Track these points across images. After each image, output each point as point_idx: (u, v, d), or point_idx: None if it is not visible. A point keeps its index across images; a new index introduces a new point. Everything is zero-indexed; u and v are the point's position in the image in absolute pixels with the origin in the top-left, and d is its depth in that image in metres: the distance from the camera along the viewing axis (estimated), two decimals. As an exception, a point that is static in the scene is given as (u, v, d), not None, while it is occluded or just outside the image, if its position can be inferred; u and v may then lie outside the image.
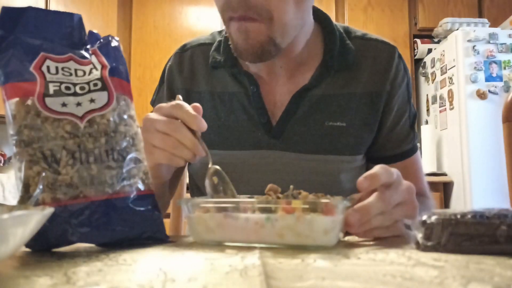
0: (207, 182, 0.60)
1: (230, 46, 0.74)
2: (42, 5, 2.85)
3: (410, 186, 0.52)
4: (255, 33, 0.68)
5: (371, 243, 0.50)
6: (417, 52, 3.26)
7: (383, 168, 0.50)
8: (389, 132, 0.82)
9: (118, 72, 0.52)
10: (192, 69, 0.85)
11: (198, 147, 0.58)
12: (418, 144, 3.03)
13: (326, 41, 0.80)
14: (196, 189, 0.89)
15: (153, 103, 0.89)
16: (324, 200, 0.46)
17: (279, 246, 0.47)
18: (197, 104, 0.60)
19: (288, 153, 0.78)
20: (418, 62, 3.37)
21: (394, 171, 0.51)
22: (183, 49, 0.88)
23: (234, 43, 0.71)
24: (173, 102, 0.59)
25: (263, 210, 0.47)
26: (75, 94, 0.48)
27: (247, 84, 0.80)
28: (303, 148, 0.78)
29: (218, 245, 0.49)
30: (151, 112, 0.62)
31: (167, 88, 0.86)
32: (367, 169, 0.85)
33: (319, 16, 0.82)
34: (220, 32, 0.89)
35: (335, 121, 0.78)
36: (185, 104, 0.58)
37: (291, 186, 0.55)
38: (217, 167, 0.61)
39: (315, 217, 0.45)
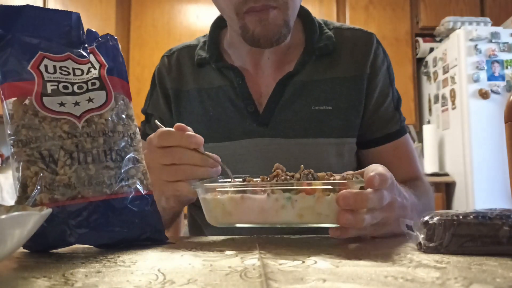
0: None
1: (215, 41, 0.80)
2: (40, 4, 2.84)
3: (395, 200, 0.52)
4: (274, 19, 0.72)
5: (372, 244, 0.49)
6: (418, 51, 3.25)
7: (386, 169, 0.51)
8: (374, 113, 0.84)
9: (116, 71, 0.52)
10: (179, 69, 0.89)
11: (209, 161, 0.58)
12: (421, 144, 3.05)
13: (307, 31, 0.85)
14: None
15: (146, 111, 0.92)
16: (342, 181, 0.48)
17: (297, 226, 0.48)
18: (180, 124, 0.59)
19: (278, 139, 0.80)
20: (420, 61, 3.36)
21: (390, 175, 0.51)
22: (170, 52, 0.93)
23: (249, 33, 0.74)
24: (158, 132, 0.58)
25: (283, 191, 0.47)
26: (73, 93, 0.48)
27: (232, 77, 0.83)
28: (292, 133, 0.80)
29: (219, 248, 0.48)
30: (145, 150, 0.60)
31: (160, 89, 0.89)
32: (358, 156, 0.87)
33: (299, 10, 0.86)
34: (204, 36, 0.93)
35: (321, 105, 0.81)
36: (171, 130, 0.57)
37: (302, 166, 0.55)
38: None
39: (334, 198, 0.46)
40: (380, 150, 0.84)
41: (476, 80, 2.67)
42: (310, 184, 0.47)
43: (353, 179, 0.50)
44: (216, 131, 0.82)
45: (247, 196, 0.48)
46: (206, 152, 0.57)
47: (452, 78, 2.81)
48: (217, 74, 0.84)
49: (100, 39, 0.53)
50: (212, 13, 2.93)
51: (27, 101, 0.46)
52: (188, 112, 0.85)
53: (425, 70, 3.28)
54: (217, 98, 0.83)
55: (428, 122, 3.21)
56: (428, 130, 2.99)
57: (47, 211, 0.37)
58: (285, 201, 0.47)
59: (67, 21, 0.51)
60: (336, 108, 0.81)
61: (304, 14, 0.87)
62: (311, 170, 0.53)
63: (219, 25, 0.89)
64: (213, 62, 0.84)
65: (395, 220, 0.53)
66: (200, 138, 0.57)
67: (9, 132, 0.46)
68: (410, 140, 0.88)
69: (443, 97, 2.96)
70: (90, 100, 0.48)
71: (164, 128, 0.58)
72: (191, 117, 0.84)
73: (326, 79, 0.82)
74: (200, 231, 0.89)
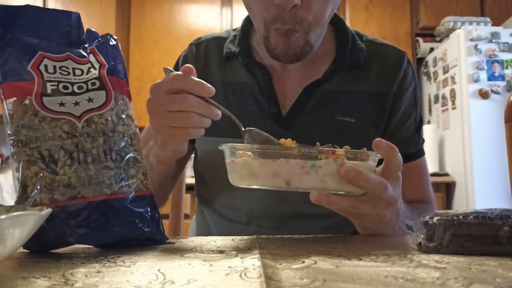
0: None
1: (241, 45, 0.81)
2: (40, 4, 2.84)
3: (395, 202, 0.55)
4: (295, 41, 0.73)
5: (372, 244, 0.49)
6: (418, 51, 3.25)
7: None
8: (394, 132, 0.83)
9: (116, 71, 0.52)
10: (206, 60, 0.88)
11: (215, 112, 0.58)
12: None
13: (339, 40, 0.85)
14: (202, 182, 0.89)
15: None
16: (363, 151, 0.52)
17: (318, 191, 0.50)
18: (188, 65, 0.58)
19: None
20: (420, 61, 3.36)
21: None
22: (198, 41, 0.92)
23: (272, 47, 0.75)
24: (171, 75, 0.57)
25: (309, 158, 0.50)
26: (73, 93, 0.48)
27: (259, 75, 0.83)
28: (312, 140, 0.80)
29: (219, 248, 0.48)
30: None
31: None
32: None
33: (332, 18, 0.86)
34: (234, 29, 0.92)
35: (345, 117, 0.80)
36: (185, 74, 0.57)
37: (318, 143, 0.57)
38: (252, 128, 0.62)
39: (356, 164, 0.50)
40: None
41: (476, 80, 2.67)
42: (333, 152, 0.50)
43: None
44: (236, 127, 0.82)
45: (275, 161, 0.50)
46: (215, 103, 0.58)
47: (452, 78, 2.81)
48: (244, 70, 0.84)
49: (100, 39, 0.53)
50: (211, 13, 2.95)
51: (27, 101, 0.46)
52: None
53: (425, 70, 3.28)
54: (241, 94, 0.83)
55: (428, 122, 3.21)
56: (428, 130, 2.99)
57: (47, 211, 0.37)
58: (310, 167, 0.49)
59: (67, 21, 0.50)
60: (359, 121, 0.80)
61: (338, 23, 0.86)
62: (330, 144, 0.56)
63: (251, 20, 0.88)
64: (242, 58, 0.84)
65: (387, 223, 0.56)
66: (212, 88, 0.57)
67: (9, 132, 0.46)
68: (425, 163, 0.88)
69: (443, 97, 2.96)
70: (90, 100, 0.48)
71: (178, 72, 0.57)
72: None
73: (353, 91, 0.82)
74: (207, 228, 0.89)
